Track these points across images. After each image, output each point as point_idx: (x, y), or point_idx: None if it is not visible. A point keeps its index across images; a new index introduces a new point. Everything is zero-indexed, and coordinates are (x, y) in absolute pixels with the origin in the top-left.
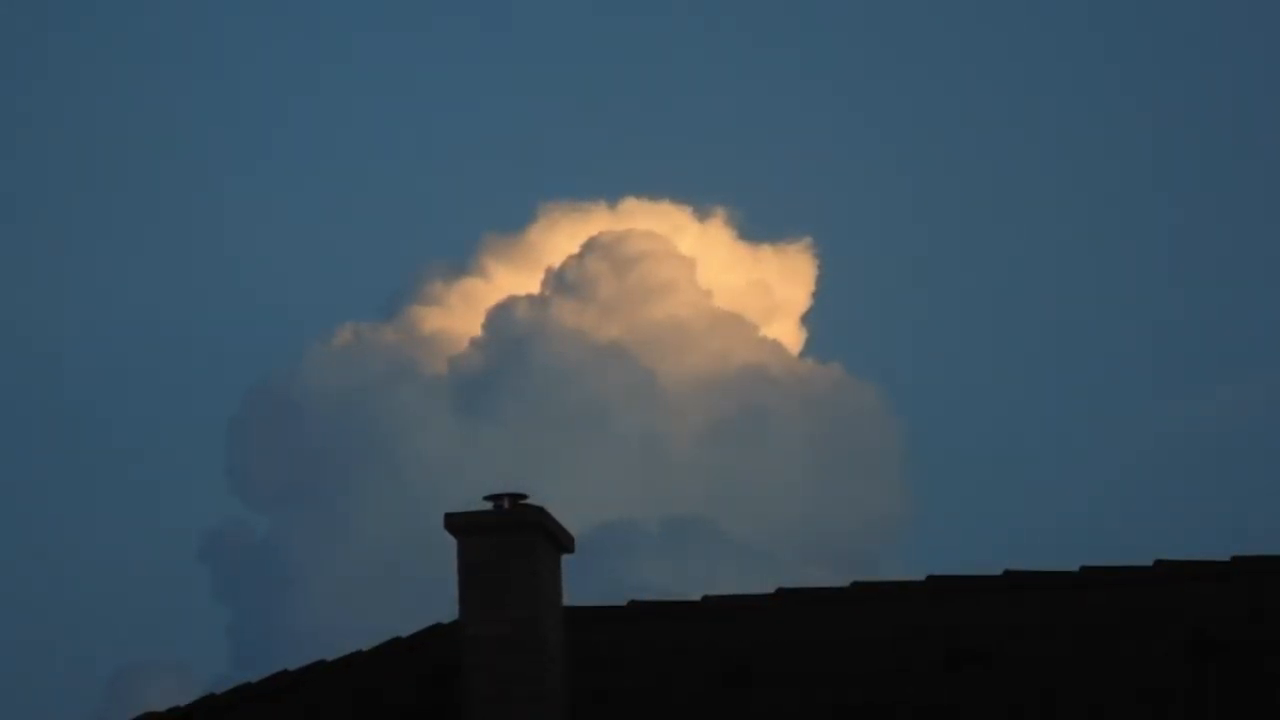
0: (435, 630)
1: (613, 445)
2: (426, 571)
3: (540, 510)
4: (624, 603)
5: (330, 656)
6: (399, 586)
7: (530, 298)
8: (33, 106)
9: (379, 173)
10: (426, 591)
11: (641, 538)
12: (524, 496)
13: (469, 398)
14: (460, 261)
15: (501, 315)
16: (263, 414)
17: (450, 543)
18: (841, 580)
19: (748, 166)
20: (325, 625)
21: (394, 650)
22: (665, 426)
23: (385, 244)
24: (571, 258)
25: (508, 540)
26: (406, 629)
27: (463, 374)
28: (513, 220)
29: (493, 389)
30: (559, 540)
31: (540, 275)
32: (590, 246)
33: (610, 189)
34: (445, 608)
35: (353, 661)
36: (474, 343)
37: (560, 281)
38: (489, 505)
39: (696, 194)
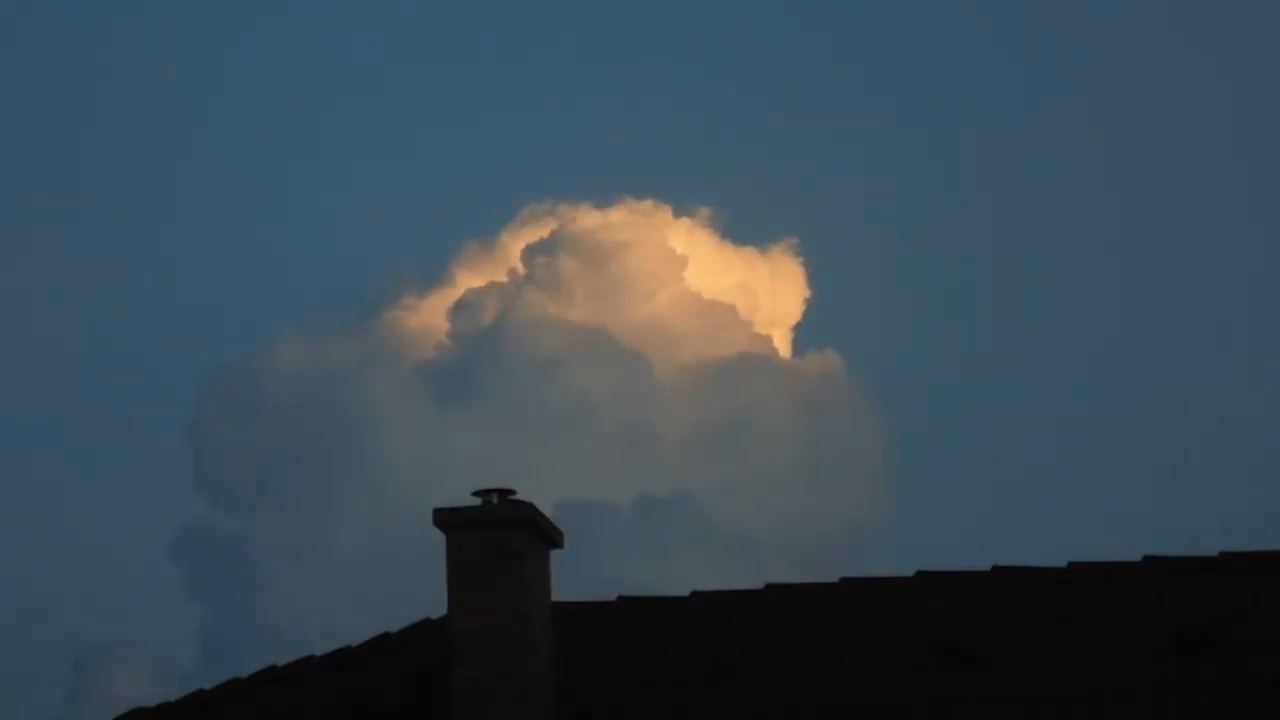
0: (424, 626)
1: (594, 437)
2: (402, 568)
3: (530, 505)
4: (613, 598)
5: (306, 653)
6: (373, 583)
7: (504, 290)
8: (12, 105)
9: (361, 172)
10: (402, 588)
11: (622, 529)
12: (512, 492)
13: (442, 392)
14: (440, 258)
15: (477, 308)
16: (235, 411)
17: (427, 538)
18: (829, 576)
19: (732, 167)
20: (300, 623)
21: (383, 646)
22: (652, 419)
23: (366, 242)
24: (554, 251)
25: (497, 535)
26: (380, 625)
27: (435, 368)
28: (493, 221)
29: (467, 383)
30: (548, 535)
31: (521, 273)
32: (578, 241)
33: (597, 190)
34: (423, 604)
35: (341, 657)
36: (448, 336)
37: (535, 275)
38: (477, 500)
39: (680, 194)
